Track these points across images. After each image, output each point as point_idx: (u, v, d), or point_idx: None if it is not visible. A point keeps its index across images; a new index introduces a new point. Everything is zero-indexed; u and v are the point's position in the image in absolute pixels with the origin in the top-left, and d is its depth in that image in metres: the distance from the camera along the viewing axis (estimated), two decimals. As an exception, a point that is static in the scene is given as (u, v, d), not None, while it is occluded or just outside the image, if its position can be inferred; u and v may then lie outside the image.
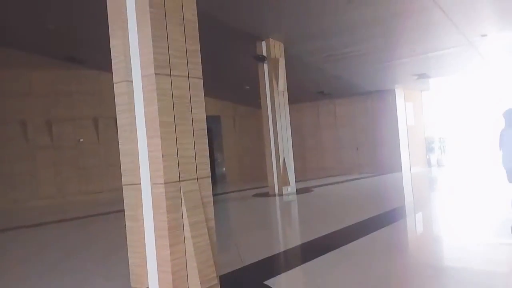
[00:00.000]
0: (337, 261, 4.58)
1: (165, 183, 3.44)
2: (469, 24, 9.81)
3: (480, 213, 7.26)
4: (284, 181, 11.00)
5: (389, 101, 17.01)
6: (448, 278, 3.89)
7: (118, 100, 3.76)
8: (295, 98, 13.57)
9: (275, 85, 11.14)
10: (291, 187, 11.11)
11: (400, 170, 16.60)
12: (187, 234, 3.50)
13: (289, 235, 6.74)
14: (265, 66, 11.22)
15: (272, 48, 11.08)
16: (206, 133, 3.83)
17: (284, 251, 5.36)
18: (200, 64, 3.84)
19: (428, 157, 18.84)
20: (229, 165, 17.49)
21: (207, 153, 3.83)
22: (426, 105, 18.96)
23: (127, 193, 3.70)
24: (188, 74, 3.71)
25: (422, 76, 14.63)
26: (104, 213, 9.94)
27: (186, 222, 3.51)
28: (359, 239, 5.44)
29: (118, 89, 3.76)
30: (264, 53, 11.10)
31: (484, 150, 17.81)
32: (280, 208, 9.68)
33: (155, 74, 3.48)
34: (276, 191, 10.98)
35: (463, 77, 15.96)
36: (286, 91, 11.41)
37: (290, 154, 11.36)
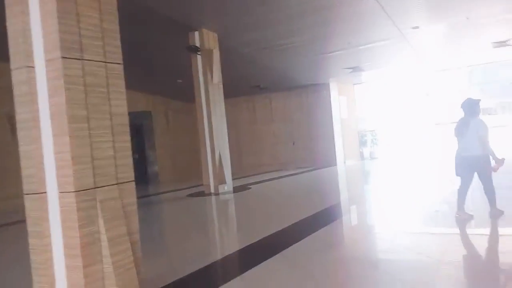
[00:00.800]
0: (278, 268, 4.16)
1: (76, 191, 2.82)
2: (402, 15, 9.83)
3: (411, 205, 7.49)
4: (220, 179, 10.48)
5: (323, 95, 17.02)
6: (387, 273, 3.78)
7: (16, 90, 3.07)
8: (230, 92, 13.05)
9: (209, 78, 10.55)
10: (228, 185, 10.61)
11: (335, 163, 16.68)
12: (105, 251, 2.91)
13: (227, 240, 6.25)
14: (199, 57, 10.61)
15: (206, 38, 10.48)
16: (128, 129, 3.23)
17: (222, 259, 4.85)
18: (120, 47, 3.24)
19: (361, 150, 19.15)
20: (162, 163, 16.60)
21: (130, 153, 3.24)
22: (359, 99, 19.26)
23: (29, 204, 3.02)
24: (105, 58, 3.10)
25: (355, 69, 14.70)
26: (19, 221, 8.87)
27: (103, 237, 2.92)
28: (300, 242, 5.08)
29: (16, 76, 3.06)
30: (198, 44, 10.49)
31: (415, 142, 18.45)
32: (217, 208, 9.18)
33: (62, 57, 2.85)
34: (212, 190, 10.42)
35: (395, 71, 16.31)
36: (221, 84, 10.88)
37: (226, 150, 10.85)
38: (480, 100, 5.54)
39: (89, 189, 2.89)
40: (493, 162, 5.34)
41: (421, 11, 9.76)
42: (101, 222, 2.92)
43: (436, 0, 9.22)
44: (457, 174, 5.64)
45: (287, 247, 4.82)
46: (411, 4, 9.35)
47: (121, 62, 3.21)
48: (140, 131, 16.26)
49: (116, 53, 3.17)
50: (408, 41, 11.69)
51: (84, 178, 2.86)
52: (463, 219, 5.54)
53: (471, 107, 5.45)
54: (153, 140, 16.39)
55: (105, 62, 3.08)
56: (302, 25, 10.27)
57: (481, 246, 4.78)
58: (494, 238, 5.11)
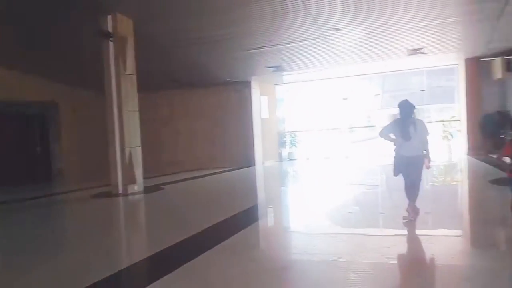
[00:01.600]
0: (177, 285, 3.63)
1: None
2: (324, 15, 9.73)
3: (326, 207, 7.52)
4: (130, 179, 9.65)
5: (244, 93, 16.69)
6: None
7: None
8: (146, 85, 12.14)
9: (121, 68, 9.67)
10: (138, 185, 9.81)
11: (254, 164, 16.44)
12: None
13: (126, 249, 5.53)
14: (111, 44, 9.67)
15: (120, 24, 9.58)
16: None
17: (116, 273, 4.14)
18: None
19: (280, 151, 19.11)
20: (68, 159, 15.18)
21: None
22: (279, 99, 19.22)
23: None
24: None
25: (277, 68, 14.52)
26: None
27: None
28: (208, 251, 4.56)
29: None
30: (110, 29, 9.56)
31: (331, 145, 18.79)
32: (123, 211, 8.39)
33: None
34: (120, 191, 9.55)
35: (315, 73, 16.39)
36: (135, 75, 10.03)
37: (137, 148, 10.00)
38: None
39: None
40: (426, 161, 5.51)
41: (342, 12, 9.72)
42: None
43: (356, 3, 9.20)
44: (396, 175, 5.62)
45: (192, 259, 4.28)
46: (333, 4, 9.25)
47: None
48: (44, 123, 14.79)
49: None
50: (329, 43, 11.68)
51: None
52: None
53: (409, 108, 5.50)
54: (59, 133, 14.99)
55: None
56: (223, 19, 9.84)
57: (394, 247, 4.65)
58: (408, 239, 5.09)
